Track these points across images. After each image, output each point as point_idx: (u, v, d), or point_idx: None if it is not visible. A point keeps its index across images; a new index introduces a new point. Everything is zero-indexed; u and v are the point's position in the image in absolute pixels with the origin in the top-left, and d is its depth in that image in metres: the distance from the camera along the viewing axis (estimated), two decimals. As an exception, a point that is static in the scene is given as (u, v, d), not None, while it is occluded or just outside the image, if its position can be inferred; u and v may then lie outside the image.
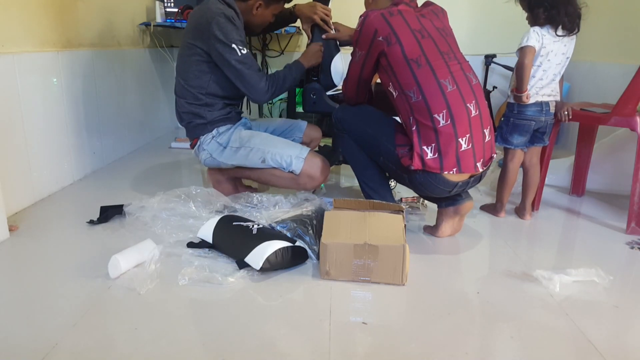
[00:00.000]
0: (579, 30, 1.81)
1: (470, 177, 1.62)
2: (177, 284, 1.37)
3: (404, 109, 1.60)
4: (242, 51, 1.79)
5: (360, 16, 1.61)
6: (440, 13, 1.72)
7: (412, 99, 1.55)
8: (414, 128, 1.57)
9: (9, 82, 1.85)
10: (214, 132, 1.95)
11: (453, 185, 1.60)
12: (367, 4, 1.82)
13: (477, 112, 1.58)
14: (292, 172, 1.88)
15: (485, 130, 1.61)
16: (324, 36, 2.04)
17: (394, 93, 1.62)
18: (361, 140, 1.75)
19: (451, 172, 1.56)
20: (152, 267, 1.43)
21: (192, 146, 2.01)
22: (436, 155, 1.55)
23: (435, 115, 1.53)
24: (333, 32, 2.05)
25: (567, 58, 1.85)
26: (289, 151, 1.88)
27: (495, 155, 1.68)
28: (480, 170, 1.61)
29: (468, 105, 1.56)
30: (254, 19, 1.95)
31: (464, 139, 1.55)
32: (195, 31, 1.84)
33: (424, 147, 1.56)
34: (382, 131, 1.70)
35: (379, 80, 1.93)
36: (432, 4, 1.73)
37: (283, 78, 1.91)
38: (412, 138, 1.57)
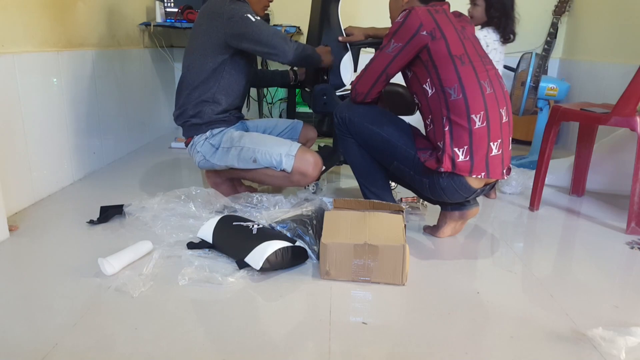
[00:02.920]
0: (512, 41, 2.14)
1: (485, 184, 1.62)
2: (177, 284, 1.38)
3: (437, 109, 1.57)
4: (255, 17, 1.80)
5: (404, 9, 1.59)
6: (471, 23, 1.72)
7: (452, 96, 1.53)
8: (446, 129, 1.54)
9: (9, 82, 1.85)
10: (208, 133, 1.94)
11: (472, 191, 1.60)
12: (393, 8, 1.79)
13: (507, 119, 1.58)
14: (283, 170, 1.85)
15: (510, 138, 1.61)
16: (340, 39, 2.01)
17: (430, 91, 1.58)
18: (370, 144, 1.70)
19: (479, 177, 1.54)
20: (147, 270, 1.43)
21: (186, 144, 2.01)
22: (467, 158, 1.53)
23: (473, 116, 1.51)
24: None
25: (500, 64, 2.14)
26: (278, 149, 1.85)
27: (511, 166, 1.68)
28: (505, 177, 1.61)
29: (501, 110, 1.56)
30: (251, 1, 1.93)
31: (495, 143, 1.54)
32: (208, 23, 1.83)
33: (455, 149, 1.53)
34: (399, 135, 1.66)
35: None
36: (462, 14, 1.72)
37: (304, 46, 1.88)
38: (444, 139, 1.54)
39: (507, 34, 2.10)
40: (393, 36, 1.58)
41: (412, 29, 1.54)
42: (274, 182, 1.94)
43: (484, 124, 1.52)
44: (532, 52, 2.71)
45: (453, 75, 1.53)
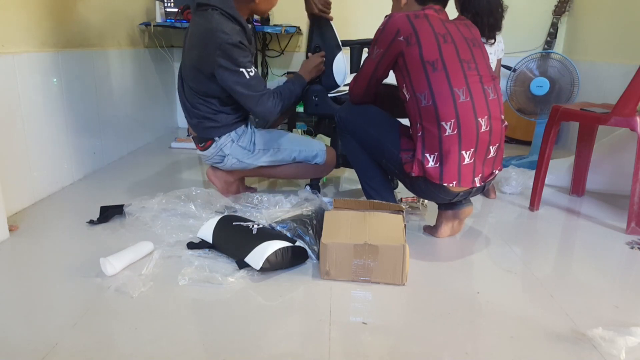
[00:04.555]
0: (494, 41, 2.15)
1: (471, 187, 1.62)
2: (177, 284, 1.38)
3: (413, 114, 1.58)
4: (250, 73, 1.78)
5: (386, 16, 1.60)
6: (473, 27, 1.69)
7: (422, 102, 1.53)
8: (419, 134, 1.55)
9: (9, 82, 1.85)
10: (233, 134, 1.94)
11: (454, 194, 1.60)
12: (395, 7, 1.77)
13: (488, 128, 1.55)
14: (317, 163, 2.04)
15: (491, 147, 1.58)
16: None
17: (407, 95, 1.59)
18: (364, 142, 1.74)
19: (450, 185, 1.55)
20: (147, 271, 1.44)
21: (204, 148, 1.96)
22: (437, 165, 1.53)
23: (443, 123, 1.51)
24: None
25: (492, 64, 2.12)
26: (313, 146, 2.04)
27: (497, 172, 1.66)
28: (478, 185, 1.59)
29: (479, 119, 1.53)
30: (257, 7, 1.89)
31: (468, 152, 1.53)
32: (199, 58, 1.79)
33: (426, 155, 1.54)
34: (386, 134, 1.68)
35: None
36: (466, 19, 1.70)
37: (289, 95, 1.93)
38: (417, 144, 1.56)
39: (485, 33, 2.08)
40: (376, 43, 1.61)
41: (390, 35, 1.56)
42: (303, 174, 2.10)
43: (455, 132, 1.51)
44: (559, 53, 2.55)
45: (423, 82, 1.53)
